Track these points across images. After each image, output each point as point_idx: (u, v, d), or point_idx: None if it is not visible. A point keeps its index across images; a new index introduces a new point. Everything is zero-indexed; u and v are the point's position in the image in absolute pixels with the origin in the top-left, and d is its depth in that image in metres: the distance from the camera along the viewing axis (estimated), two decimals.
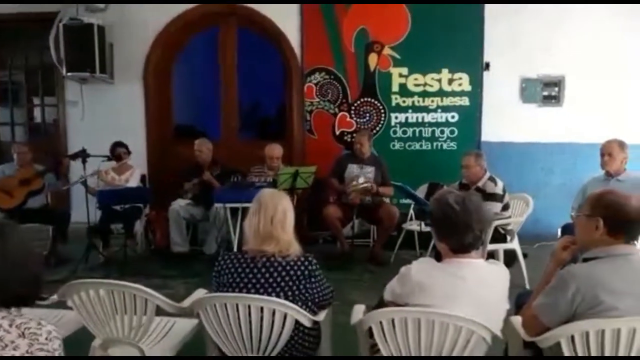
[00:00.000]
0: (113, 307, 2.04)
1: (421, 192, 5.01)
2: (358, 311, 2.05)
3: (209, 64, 6.09)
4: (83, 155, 4.78)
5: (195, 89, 6.33)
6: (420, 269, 1.83)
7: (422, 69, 5.59)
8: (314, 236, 5.49)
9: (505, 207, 4.00)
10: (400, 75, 5.63)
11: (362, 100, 5.69)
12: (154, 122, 6.01)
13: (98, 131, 5.66)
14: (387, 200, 5.10)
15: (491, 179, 4.02)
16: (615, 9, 5.28)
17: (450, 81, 5.57)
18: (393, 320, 1.79)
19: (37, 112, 6.44)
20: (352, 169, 4.98)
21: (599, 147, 3.82)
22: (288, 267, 1.93)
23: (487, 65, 5.51)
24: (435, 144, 5.68)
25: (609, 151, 3.57)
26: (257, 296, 1.88)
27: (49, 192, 5.05)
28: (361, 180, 4.82)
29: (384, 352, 1.85)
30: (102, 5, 5.79)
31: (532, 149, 5.55)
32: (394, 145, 5.71)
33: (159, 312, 2.09)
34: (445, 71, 5.57)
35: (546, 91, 5.48)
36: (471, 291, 1.76)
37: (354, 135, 5.36)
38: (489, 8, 5.41)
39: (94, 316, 2.07)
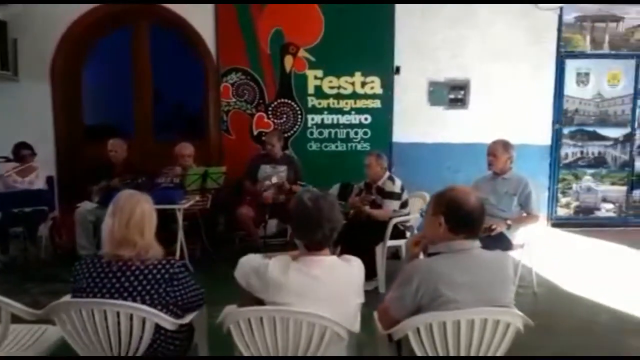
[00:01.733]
0: None
1: (333, 191, 5.10)
2: (226, 312, 2.07)
3: (122, 63, 5.93)
4: None
5: (108, 88, 6.13)
6: (276, 267, 1.87)
7: (337, 71, 5.71)
8: (231, 236, 5.48)
9: (404, 205, 4.16)
10: (316, 78, 5.72)
11: (279, 101, 5.74)
12: (63, 121, 5.78)
13: (2, 131, 5.39)
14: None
15: (390, 178, 4.17)
16: (518, 13, 5.61)
17: (363, 84, 5.72)
18: (249, 320, 1.84)
19: None
20: (265, 169, 5.02)
21: None
22: (147, 271, 1.93)
23: (398, 69, 5.70)
24: (349, 144, 5.81)
25: (493, 152, 3.80)
26: (112, 301, 1.87)
27: None
28: (274, 179, 4.87)
29: (244, 353, 1.89)
30: None
31: (439, 150, 5.79)
32: (310, 146, 5.80)
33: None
34: (358, 74, 5.71)
35: (452, 94, 5.74)
36: (323, 288, 1.83)
37: None
38: (399, 13, 5.59)
39: None
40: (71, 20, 5.60)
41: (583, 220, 5.97)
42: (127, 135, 5.81)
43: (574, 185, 5.97)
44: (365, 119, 5.78)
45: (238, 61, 5.68)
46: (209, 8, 5.61)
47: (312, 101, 5.74)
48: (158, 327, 1.94)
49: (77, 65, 5.90)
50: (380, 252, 4.03)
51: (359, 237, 3.89)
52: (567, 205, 5.99)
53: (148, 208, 1.99)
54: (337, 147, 5.80)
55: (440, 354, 1.78)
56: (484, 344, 1.77)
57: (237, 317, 1.84)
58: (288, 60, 5.69)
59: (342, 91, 5.74)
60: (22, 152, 4.84)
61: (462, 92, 5.74)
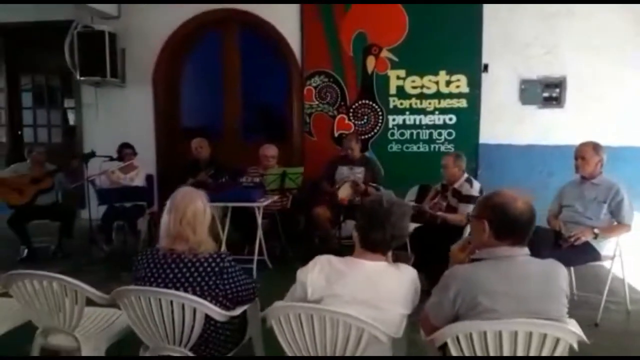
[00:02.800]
0: (50, 298, 2.21)
1: (412, 194, 5.01)
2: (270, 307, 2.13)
3: (215, 67, 6.30)
4: (89, 156, 5.09)
5: (201, 91, 6.54)
6: (321, 264, 1.93)
7: (420, 71, 5.59)
8: (310, 236, 5.58)
9: None
10: (398, 78, 5.65)
11: (360, 102, 5.75)
12: (163, 124, 6.28)
13: (111, 132, 5.99)
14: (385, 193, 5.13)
15: (468, 180, 4.01)
16: (617, 8, 5.12)
17: (448, 83, 5.55)
18: (289, 316, 1.88)
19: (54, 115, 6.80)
20: (342, 170, 5.06)
21: None
22: (198, 264, 2.05)
23: (486, 67, 5.45)
24: (432, 146, 5.66)
25: (582, 155, 3.49)
26: (165, 290, 2.00)
27: (60, 190, 5.39)
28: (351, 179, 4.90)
29: (285, 349, 1.94)
30: (114, 13, 6.10)
31: (531, 152, 5.44)
32: (391, 148, 5.74)
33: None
34: (442, 73, 5.55)
35: (547, 92, 5.36)
36: (355, 290, 1.83)
37: None
38: (487, 8, 5.36)
39: (33, 306, 2.26)
40: (171, 31, 6.07)
41: None
42: (218, 136, 6.17)
43: None
44: (450, 119, 5.60)
45: (321, 64, 5.78)
46: (295, 14, 5.77)
47: (393, 101, 5.68)
48: (208, 318, 2.05)
49: (176, 72, 6.37)
50: None
51: (434, 242, 3.78)
52: None
53: (201, 206, 2.11)
54: (419, 148, 5.68)
55: None
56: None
57: (277, 313, 1.89)
58: (370, 61, 5.69)
59: (425, 91, 5.61)
60: (125, 152, 5.31)
61: (558, 90, 5.35)
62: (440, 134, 5.64)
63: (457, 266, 1.82)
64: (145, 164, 5.71)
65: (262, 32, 5.95)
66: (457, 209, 3.96)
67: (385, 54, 5.64)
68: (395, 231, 1.90)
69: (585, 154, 3.46)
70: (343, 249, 4.94)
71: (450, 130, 5.61)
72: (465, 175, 4.08)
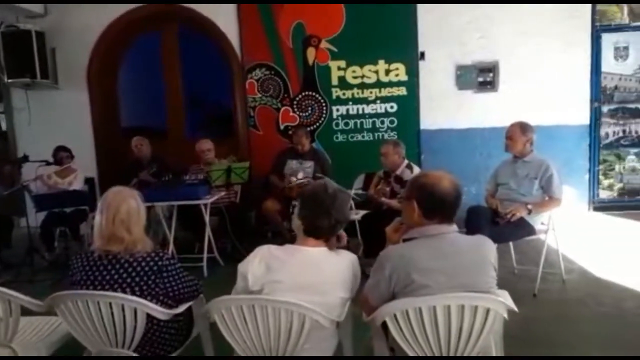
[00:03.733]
0: None
1: (359, 182, 5.08)
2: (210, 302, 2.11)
3: (153, 65, 6.15)
4: (21, 160, 4.87)
5: (141, 90, 6.38)
6: (262, 254, 1.95)
7: (360, 61, 5.66)
8: (262, 230, 5.57)
9: None
10: (339, 68, 5.70)
11: (303, 94, 5.77)
12: (101, 125, 6.08)
13: (46, 136, 5.72)
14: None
15: (408, 166, 4.11)
16: None
17: (387, 72, 5.65)
18: (231, 309, 1.88)
19: None
20: (291, 164, 5.05)
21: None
22: (135, 264, 2.01)
23: (422, 55, 5.58)
24: (376, 134, 5.75)
25: (509, 135, 3.66)
26: (103, 292, 1.96)
27: None
28: (300, 175, 4.90)
29: (230, 342, 1.94)
30: (41, 11, 5.83)
31: (470, 135, 5.63)
32: (337, 138, 5.79)
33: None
34: (381, 62, 5.64)
35: (481, 77, 5.55)
36: (296, 276, 1.86)
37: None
38: None
39: None
40: (103, 28, 5.87)
41: (628, 203, 5.64)
42: (161, 136, 6.04)
43: (617, 167, 5.64)
44: (391, 107, 5.71)
45: (262, 57, 5.75)
46: (232, 7, 5.70)
47: (336, 92, 5.73)
48: (150, 317, 2.01)
49: (112, 71, 6.18)
50: None
51: (381, 228, 3.86)
52: (609, 188, 5.68)
53: (134, 205, 2.07)
54: (363, 137, 5.76)
55: (421, 342, 1.75)
56: (464, 331, 1.72)
57: (219, 307, 1.88)
58: (310, 53, 5.70)
59: (366, 80, 5.68)
60: (61, 155, 5.11)
61: (491, 75, 5.54)
62: (382, 122, 5.74)
63: (391, 246, 1.87)
64: (84, 167, 5.52)
65: (200, 27, 5.85)
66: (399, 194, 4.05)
67: (324, 44, 5.68)
68: (340, 217, 1.93)
69: (512, 134, 3.63)
70: (294, 241, 4.96)
71: (392, 118, 5.72)
72: (406, 161, 4.18)
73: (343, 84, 5.71)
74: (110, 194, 2.08)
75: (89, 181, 5.57)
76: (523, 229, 3.38)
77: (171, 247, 4.53)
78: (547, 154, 3.75)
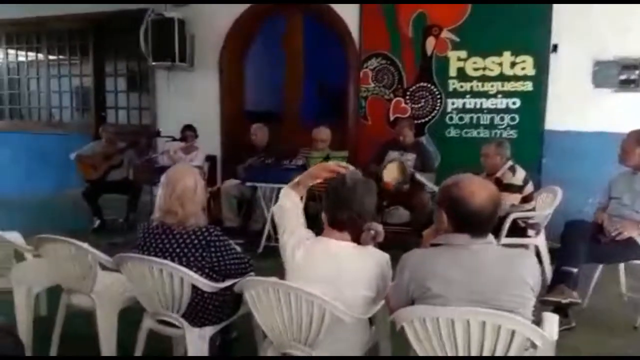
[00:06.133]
0: (68, 260, 2.44)
1: None
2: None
3: (278, 51, 6.43)
4: (153, 135, 5.48)
5: (265, 75, 6.71)
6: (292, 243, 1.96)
7: (482, 52, 5.29)
8: None
9: (527, 199, 3.73)
10: (459, 59, 5.39)
11: (417, 85, 5.58)
12: (227, 107, 6.52)
13: (180, 114, 6.34)
14: (429, 187, 4.98)
15: (511, 168, 3.77)
16: None
17: (513, 65, 5.20)
18: (258, 294, 1.93)
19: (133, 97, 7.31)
20: (393, 155, 4.96)
21: None
22: (185, 236, 2.15)
23: (555, 47, 5.04)
24: (494, 131, 5.36)
25: (623, 145, 3.17)
26: (155, 259, 2.14)
27: (130, 166, 5.84)
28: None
29: (258, 320, 1.99)
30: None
31: (604, 140, 4.95)
32: (449, 132, 5.51)
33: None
34: (507, 54, 5.21)
35: (624, 74, 4.85)
36: (322, 268, 1.83)
37: None
38: None
39: (56, 266, 2.51)
40: (235, 16, 6.25)
41: None
42: (278, 119, 6.32)
43: None
44: (514, 103, 5.26)
45: (379, 46, 5.67)
46: None
47: (453, 84, 5.44)
48: (196, 287, 2.15)
49: (240, 56, 6.58)
50: None
51: None
52: None
53: (191, 183, 2.20)
54: (479, 133, 5.40)
55: (439, 354, 1.63)
56: (485, 351, 1.56)
57: (249, 286, 1.94)
58: (430, 43, 5.48)
59: (487, 73, 5.30)
60: (187, 133, 5.63)
61: (637, 72, 4.82)
62: (502, 119, 5.32)
63: (413, 250, 1.75)
64: (209, 145, 6.01)
65: (323, 15, 5.93)
66: None
67: (445, 34, 5.41)
68: (361, 209, 1.89)
69: (626, 145, 3.14)
70: (388, 236, 4.87)
71: (514, 115, 5.28)
72: (509, 163, 3.84)
73: (462, 75, 5.40)
74: (171, 172, 2.25)
75: (211, 159, 6.06)
76: (631, 250, 2.92)
77: (267, 227, 4.73)
78: None
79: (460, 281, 1.57)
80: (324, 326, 1.81)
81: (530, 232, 3.78)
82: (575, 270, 2.85)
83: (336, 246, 1.90)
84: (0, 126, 7.98)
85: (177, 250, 2.15)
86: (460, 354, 1.57)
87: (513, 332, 1.52)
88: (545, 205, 3.85)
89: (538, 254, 3.79)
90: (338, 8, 5.77)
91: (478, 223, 1.63)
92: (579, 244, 2.86)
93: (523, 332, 1.51)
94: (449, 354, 1.60)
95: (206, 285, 2.14)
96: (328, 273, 1.84)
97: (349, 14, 5.75)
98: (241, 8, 6.21)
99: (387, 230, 4.73)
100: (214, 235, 2.17)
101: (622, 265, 3.34)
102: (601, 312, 3.27)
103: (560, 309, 2.93)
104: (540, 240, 3.75)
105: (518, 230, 3.71)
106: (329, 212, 1.93)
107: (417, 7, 5.47)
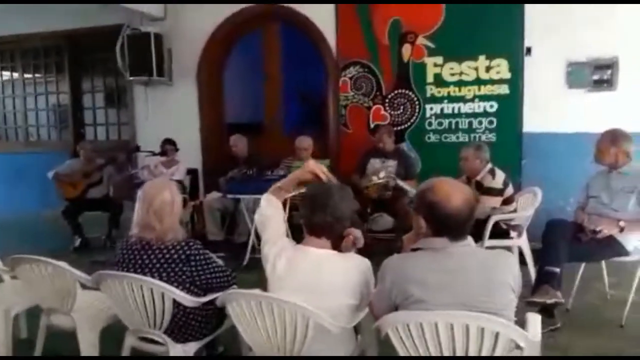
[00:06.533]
0: (46, 280, 2.39)
1: None
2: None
3: (256, 63, 6.43)
4: (132, 150, 5.42)
5: (244, 87, 6.71)
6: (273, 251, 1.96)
7: (458, 56, 5.36)
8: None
9: (508, 201, 3.76)
10: (435, 65, 5.45)
11: (396, 92, 5.62)
12: (207, 120, 6.50)
13: (160, 128, 6.28)
14: (412, 193, 5.01)
15: (491, 171, 3.81)
16: None
17: (488, 68, 5.28)
18: (241, 307, 1.91)
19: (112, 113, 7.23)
20: (374, 162, 4.99)
21: None
22: (165, 251, 2.12)
23: (529, 50, 5.13)
24: (472, 135, 5.41)
25: (597, 145, 3.23)
26: (135, 275, 2.10)
27: (110, 183, 5.76)
28: (381, 174, 4.81)
29: (242, 334, 1.97)
30: (161, 15, 6.39)
31: (580, 140, 5.03)
32: (429, 138, 5.56)
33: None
34: (482, 58, 5.28)
35: (597, 75, 4.95)
36: (301, 278, 1.82)
37: None
38: None
39: (34, 286, 2.45)
40: (212, 29, 6.24)
41: None
42: (259, 130, 6.31)
43: None
44: (491, 106, 5.33)
45: (357, 54, 5.70)
46: (330, 5, 5.74)
47: (430, 90, 5.49)
48: (177, 303, 2.12)
49: (219, 69, 6.57)
50: None
51: None
52: None
53: (168, 197, 2.17)
54: (458, 138, 5.45)
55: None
56: (470, 354, 1.55)
57: (231, 299, 1.92)
58: (406, 49, 5.54)
59: (464, 77, 5.37)
60: (167, 147, 5.58)
61: (609, 72, 4.92)
62: (480, 123, 5.38)
63: (393, 256, 1.75)
64: (190, 158, 5.96)
65: (300, 26, 5.96)
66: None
67: (421, 40, 5.47)
68: (336, 213, 1.89)
69: (600, 145, 3.19)
70: (373, 244, 4.88)
71: (492, 119, 5.34)
72: (489, 166, 3.88)
73: (439, 81, 5.46)
74: (147, 186, 2.22)
75: (192, 172, 6.00)
76: (611, 248, 2.96)
77: (251, 238, 4.70)
78: None
79: (441, 285, 1.57)
80: (308, 336, 1.80)
81: (513, 233, 3.81)
82: (557, 270, 2.87)
83: (316, 254, 1.89)
84: None
85: (157, 265, 2.12)
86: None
87: (497, 334, 1.52)
88: (526, 207, 3.88)
89: (521, 255, 3.83)
90: (314, 18, 5.80)
91: (456, 225, 1.64)
92: (560, 244, 2.88)
93: (507, 334, 1.51)
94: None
95: (187, 299, 2.11)
96: (310, 282, 1.83)
97: (325, 23, 5.79)
98: (217, 20, 6.21)
99: (373, 237, 4.78)
100: (194, 249, 2.15)
101: (603, 263, 3.38)
102: (587, 311, 3.30)
103: (546, 310, 2.95)
104: (523, 242, 3.77)
105: (500, 232, 3.73)
106: (306, 219, 1.94)
107: (392, 14, 5.53)
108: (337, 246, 1.96)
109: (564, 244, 2.90)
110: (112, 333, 2.45)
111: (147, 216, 2.13)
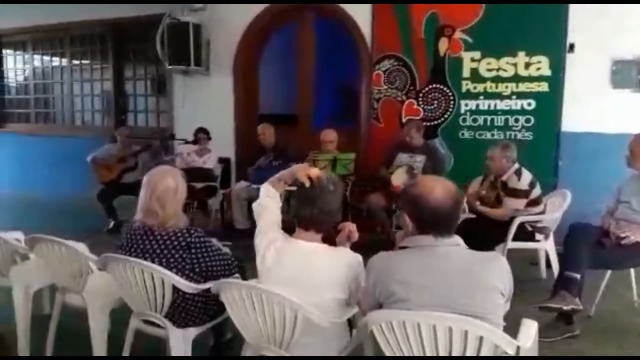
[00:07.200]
0: (61, 260, 2.48)
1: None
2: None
3: (290, 54, 6.44)
4: (167, 138, 5.55)
5: (278, 78, 6.73)
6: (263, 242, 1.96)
7: (496, 52, 5.17)
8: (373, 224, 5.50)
9: (535, 203, 3.61)
10: (472, 60, 5.28)
11: (430, 87, 5.49)
12: (241, 110, 6.56)
13: (195, 117, 6.41)
14: None
15: (517, 172, 3.66)
16: None
17: (527, 65, 5.07)
18: (233, 296, 1.92)
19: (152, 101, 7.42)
20: (402, 157, 4.91)
21: None
22: (166, 237, 2.15)
23: (572, 47, 4.89)
24: (508, 133, 5.22)
25: (631, 147, 3.05)
26: (136, 259, 2.14)
27: (145, 169, 5.91)
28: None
29: (236, 324, 1.98)
30: (201, 5, 6.49)
31: (623, 142, 4.74)
32: (462, 135, 5.41)
33: None
34: (521, 54, 5.08)
35: None
36: (291, 269, 1.81)
37: None
38: None
39: (50, 265, 2.55)
40: (249, 21, 6.29)
41: None
42: (291, 122, 6.32)
43: None
44: (529, 104, 5.12)
45: (391, 47, 5.60)
46: None
47: (466, 85, 5.33)
48: (176, 288, 2.15)
49: (254, 61, 6.62)
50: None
51: (478, 235, 3.53)
52: None
53: (172, 184, 2.20)
54: (493, 135, 5.27)
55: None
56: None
57: (224, 288, 1.93)
58: (443, 44, 5.39)
59: (501, 73, 5.18)
60: (200, 136, 5.68)
61: None
62: (517, 121, 5.19)
63: (379, 253, 1.70)
64: (223, 148, 6.05)
65: (335, 18, 5.92)
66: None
67: (458, 35, 5.31)
68: (325, 207, 1.87)
69: (633, 147, 3.01)
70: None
71: (529, 117, 5.14)
72: (516, 166, 3.72)
73: (475, 76, 5.29)
74: (153, 172, 2.26)
75: (224, 161, 6.10)
76: (637, 255, 2.78)
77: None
78: None
79: (424, 285, 1.52)
80: (297, 328, 1.79)
81: (539, 236, 3.65)
82: (577, 276, 2.73)
83: (305, 247, 1.87)
84: (27, 129, 8.23)
85: (157, 251, 2.16)
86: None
87: (481, 339, 1.46)
88: (555, 209, 3.72)
89: (547, 259, 3.68)
90: (350, 10, 5.74)
91: (439, 220, 1.60)
92: (582, 249, 2.75)
93: (491, 339, 1.45)
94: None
95: (186, 286, 2.14)
96: (297, 275, 1.82)
97: (361, 16, 5.71)
98: (255, 12, 6.25)
99: (398, 233, 4.70)
100: (195, 237, 2.17)
101: (632, 271, 3.20)
102: (610, 320, 3.14)
103: (564, 316, 2.83)
104: (549, 245, 3.62)
105: (527, 234, 3.59)
106: (295, 211, 1.94)
107: (429, 7, 5.39)
108: (332, 240, 1.94)
109: (585, 249, 2.76)
110: (124, 314, 2.53)
111: (150, 202, 2.17)
